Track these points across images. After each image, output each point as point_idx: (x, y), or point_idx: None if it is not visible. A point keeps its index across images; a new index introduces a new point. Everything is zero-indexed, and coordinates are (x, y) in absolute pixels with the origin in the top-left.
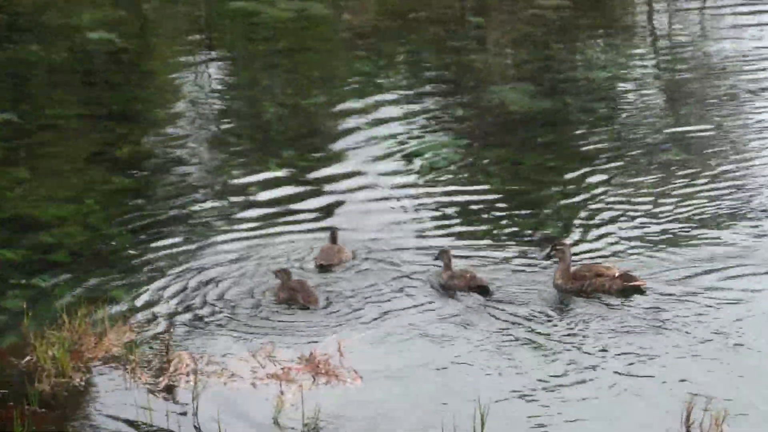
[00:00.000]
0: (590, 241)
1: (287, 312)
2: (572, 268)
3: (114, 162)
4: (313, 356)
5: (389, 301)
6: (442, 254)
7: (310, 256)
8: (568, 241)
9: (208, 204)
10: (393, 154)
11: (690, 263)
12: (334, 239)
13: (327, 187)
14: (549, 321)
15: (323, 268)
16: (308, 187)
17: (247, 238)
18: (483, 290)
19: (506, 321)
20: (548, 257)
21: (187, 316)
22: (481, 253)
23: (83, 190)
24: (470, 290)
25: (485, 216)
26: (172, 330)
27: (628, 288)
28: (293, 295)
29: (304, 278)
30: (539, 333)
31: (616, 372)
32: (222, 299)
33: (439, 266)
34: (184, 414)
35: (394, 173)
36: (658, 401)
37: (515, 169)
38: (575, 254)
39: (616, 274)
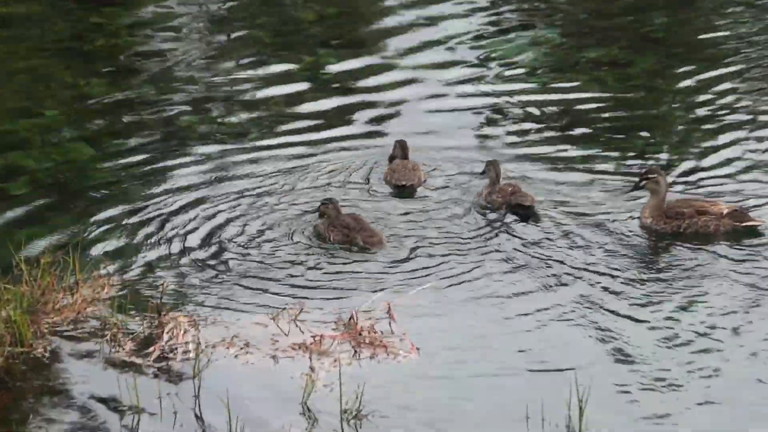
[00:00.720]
0: (705, 169)
1: (319, 260)
2: (666, 204)
3: (85, 59)
4: (355, 321)
5: (458, 243)
6: (490, 166)
7: (374, 176)
8: (665, 169)
9: (214, 116)
10: (460, 52)
11: None
12: (405, 153)
13: (374, 96)
14: (642, 276)
15: (401, 190)
16: (349, 96)
17: (266, 160)
18: (523, 210)
19: (590, 272)
20: (638, 188)
21: (187, 265)
22: (564, 180)
23: (45, 97)
24: (510, 208)
25: (575, 132)
26: (165, 284)
27: (740, 229)
28: (350, 236)
29: (357, 213)
30: (634, 291)
31: (737, 349)
32: (233, 242)
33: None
34: (183, 396)
35: (461, 78)
36: None
37: (620, 72)
38: (682, 185)
39: (725, 212)
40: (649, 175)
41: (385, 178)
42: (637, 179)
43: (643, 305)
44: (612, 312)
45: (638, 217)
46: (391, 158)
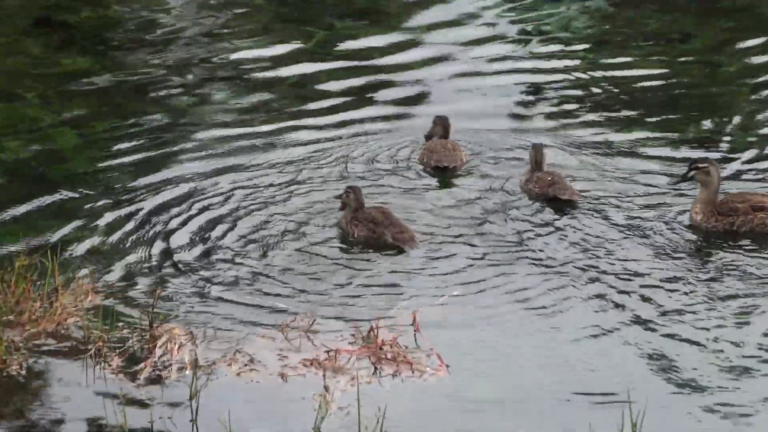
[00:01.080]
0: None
1: (336, 262)
2: (719, 198)
3: (67, 32)
4: (375, 333)
5: (494, 242)
6: (531, 151)
7: (409, 158)
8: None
9: (213, 97)
10: (496, 23)
11: None
12: (446, 132)
13: (390, 66)
14: (692, 282)
15: (441, 172)
16: (361, 67)
17: (272, 146)
18: (562, 203)
19: (636, 281)
20: (685, 179)
21: (183, 269)
22: (612, 169)
23: (22, 74)
24: (548, 200)
25: (626, 114)
26: (158, 291)
27: None
28: (376, 232)
29: (383, 206)
30: (685, 303)
31: None
32: (236, 243)
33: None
34: (178, 420)
35: (497, 52)
36: None
37: (679, 46)
38: (744, 175)
39: None
40: (699, 165)
41: (421, 159)
42: (685, 169)
43: (696, 319)
44: (663, 326)
45: (689, 214)
46: (429, 137)
